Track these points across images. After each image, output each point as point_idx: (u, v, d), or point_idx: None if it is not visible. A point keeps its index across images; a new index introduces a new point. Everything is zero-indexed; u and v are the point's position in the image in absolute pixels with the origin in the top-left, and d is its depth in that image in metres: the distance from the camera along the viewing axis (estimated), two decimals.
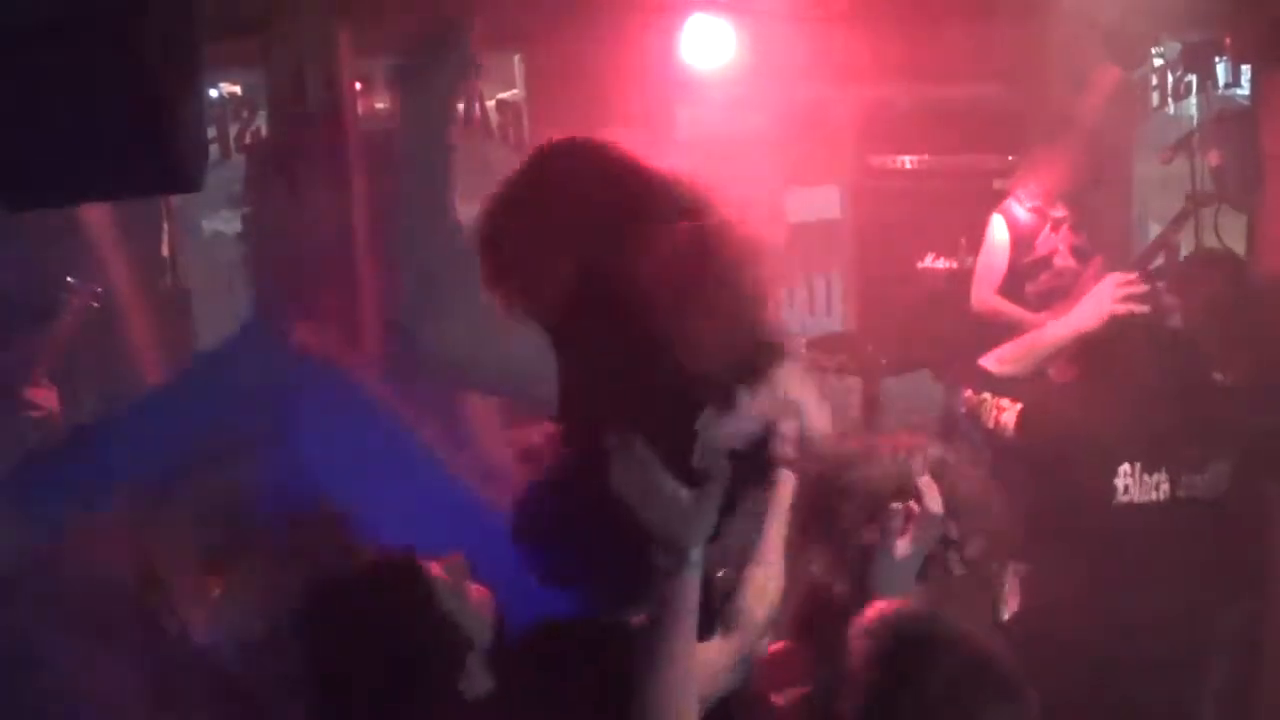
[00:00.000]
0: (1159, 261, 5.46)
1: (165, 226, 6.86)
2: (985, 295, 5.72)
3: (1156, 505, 3.53)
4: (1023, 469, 3.51)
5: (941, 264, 6.45)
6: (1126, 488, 3.51)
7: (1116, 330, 3.55)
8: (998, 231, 5.70)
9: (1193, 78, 6.73)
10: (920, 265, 6.47)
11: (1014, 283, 5.59)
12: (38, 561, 4.38)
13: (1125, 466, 3.51)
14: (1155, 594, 3.44)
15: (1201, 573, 3.51)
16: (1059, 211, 5.69)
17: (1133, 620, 3.46)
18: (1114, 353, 3.58)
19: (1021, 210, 5.69)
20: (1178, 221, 5.32)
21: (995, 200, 5.92)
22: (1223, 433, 3.58)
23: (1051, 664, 3.45)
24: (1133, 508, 3.52)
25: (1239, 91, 6.59)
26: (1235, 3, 4.75)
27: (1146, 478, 3.52)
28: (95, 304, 4.73)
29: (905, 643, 1.99)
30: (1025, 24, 6.27)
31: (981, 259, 5.77)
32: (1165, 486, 3.52)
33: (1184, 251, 5.19)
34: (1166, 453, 3.52)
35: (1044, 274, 5.55)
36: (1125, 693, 3.44)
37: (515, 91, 8.16)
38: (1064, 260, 5.61)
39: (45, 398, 4.54)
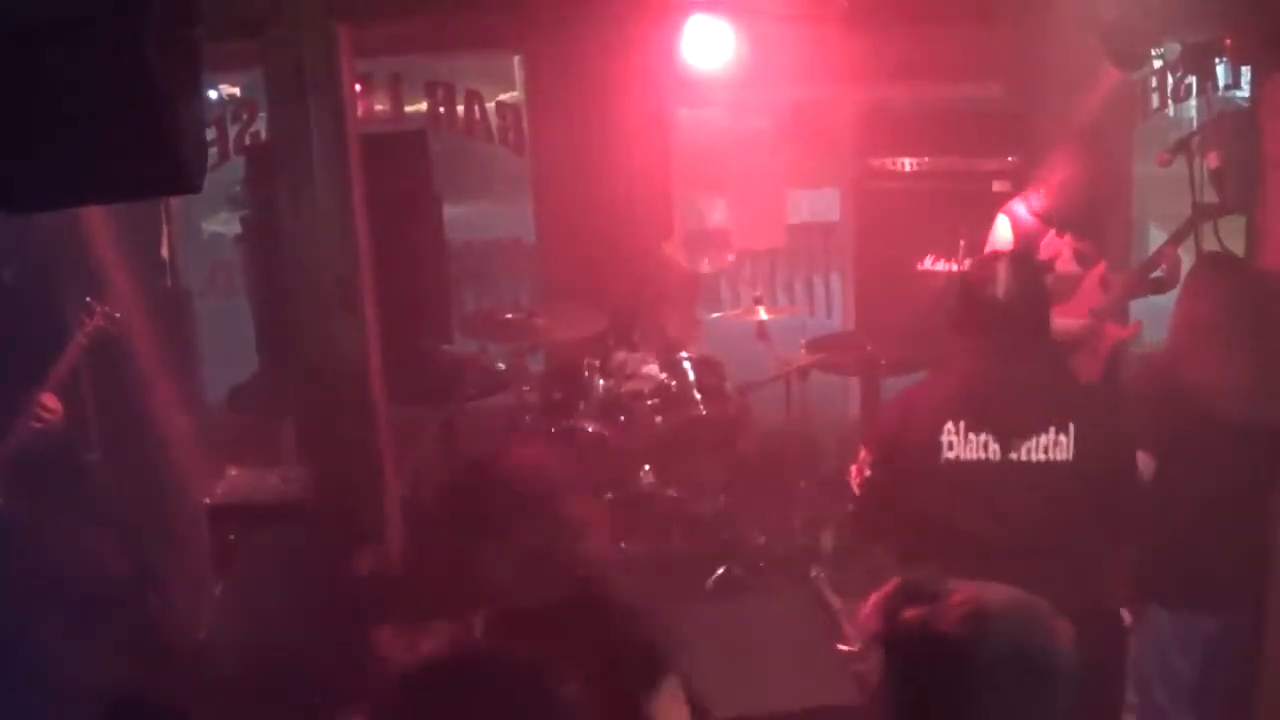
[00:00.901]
0: (1159, 272, 5.46)
1: (165, 227, 6.87)
2: None
3: (986, 464, 3.68)
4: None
5: (941, 265, 6.45)
6: (951, 444, 3.70)
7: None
8: (1002, 232, 5.71)
9: (1193, 79, 6.73)
10: (920, 266, 6.48)
11: None
12: (38, 563, 4.40)
13: (949, 425, 3.69)
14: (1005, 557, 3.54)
15: (1056, 536, 3.64)
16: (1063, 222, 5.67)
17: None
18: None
19: (1026, 213, 5.69)
20: (1180, 234, 5.32)
21: (995, 201, 5.93)
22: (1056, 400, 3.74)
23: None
24: (959, 464, 3.69)
25: (1239, 93, 6.59)
26: (1235, 4, 4.74)
27: (972, 436, 3.69)
28: (111, 327, 4.81)
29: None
30: (1025, 24, 6.28)
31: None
32: (994, 446, 3.68)
33: (1186, 262, 5.19)
34: (991, 415, 3.69)
35: (1047, 276, 5.56)
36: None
37: (515, 93, 8.17)
38: (1066, 265, 5.61)
39: (53, 406, 4.59)
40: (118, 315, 4.86)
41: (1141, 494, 3.77)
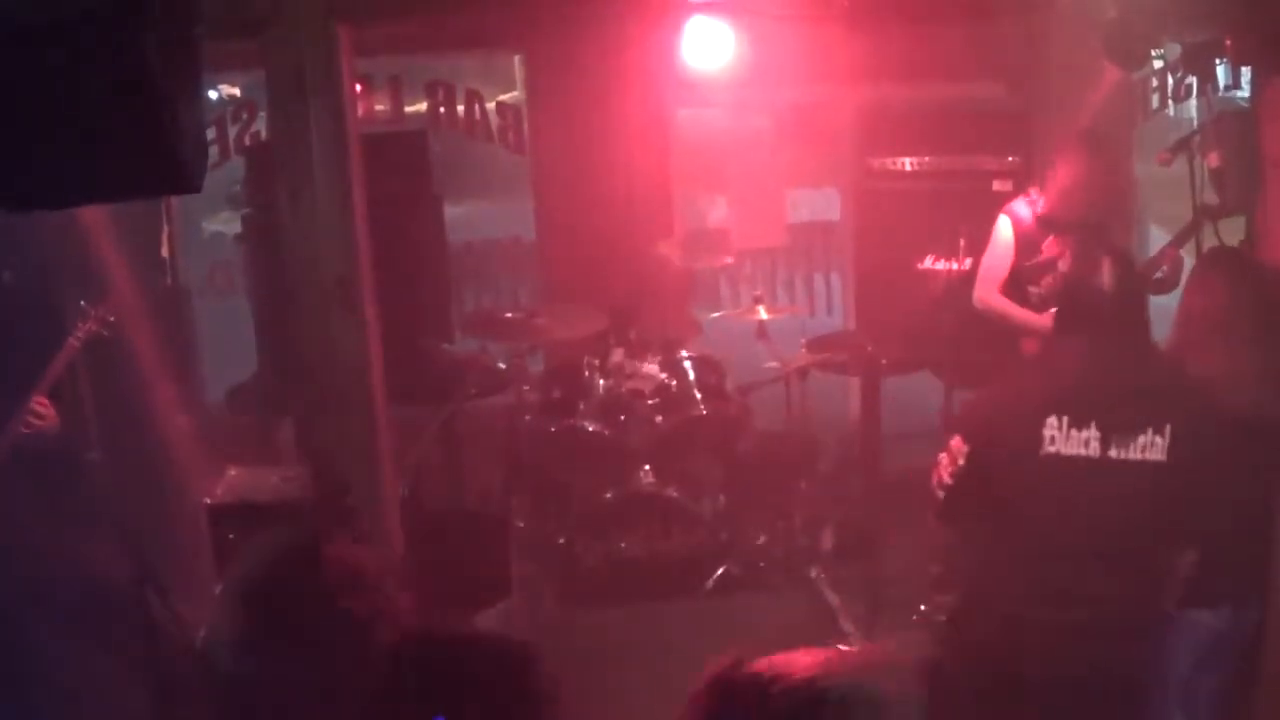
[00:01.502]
0: (1161, 272, 5.45)
1: (165, 227, 6.87)
2: (987, 294, 5.74)
3: (1085, 460, 3.71)
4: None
5: (941, 265, 6.45)
6: (1053, 439, 3.72)
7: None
8: (1003, 231, 5.70)
9: (1193, 80, 6.72)
10: (920, 266, 6.48)
11: (1017, 284, 5.59)
12: (36, 565, 4.40)
13: (1052, 419, 3.72)
14: (1088, 557, 3.70)
15: (1137, 537, 3.69)
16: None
17: (1068, 586, 3.70)
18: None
19: (1028, 212, 5.69)
20: (1183, 235, 5.32)
21: (995, 201, 5.93)
22: (1157, 400, 3.75)
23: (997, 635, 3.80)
24: (1060, 459, 3.72)
25: (1239, 94, 6.59)
26: (1236, 5, 4.75)
27: (1075, 432, 3.71)
28: (105, 331, 4.80)
29: None
30: (1025, 24, 6.29)
31: (985, 257, 5.77)
32: (1095, 443, 3.70)
33: (1188, 263, 5.19)
34: (1096, 412, 3.71)
35: (1047, 277, 5.54)
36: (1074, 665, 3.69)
37: (515, 93, 8.18)
38: (1068, 264, 5.59)
39: (45, 410, 4.57)
40: (112, 319, 4.85)
41: (1225, 499, 3.75)
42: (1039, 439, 3.75)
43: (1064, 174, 5.55)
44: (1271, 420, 3.83)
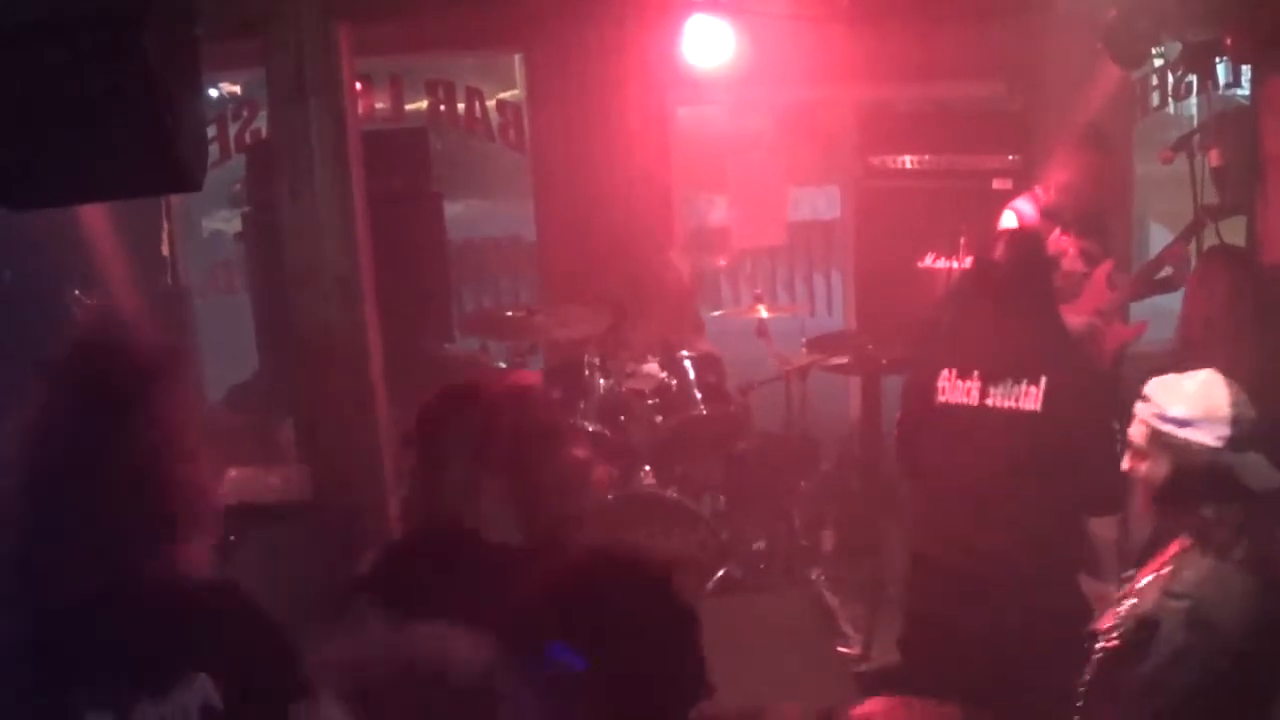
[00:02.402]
0: (1166, 271, 5.45)
1: (165, 225, 6.86)
2: None
3: (966, 408, 4.00)
4: None
5: (941, 263, 6.44)
6: (944, 389, 4.04)
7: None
8: (1008, 224, 5.69)
9: (1193, 78, 6.73)
10: (920, 264, 6.47)
11: None
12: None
13: (945, 371, 4.04)
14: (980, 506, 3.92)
15: (1018, 485, 3.88)
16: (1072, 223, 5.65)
17: (966, 534, 3.96)
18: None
19: (1032, 209, 5.67)
20: (1187, 234, 5.31)
21: (995, 200, 5.92)
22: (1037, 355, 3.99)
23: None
24: (948, 407, 4.03)
25: (1239, 91, 6.59)
26: (1236, 3, 4.75)
27: (960, 382, 4.02)
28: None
29: None
30: (1025, 24, 6.28)
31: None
32: (975, 392, 3.99)
33: (1193, 262, 5.19)
34: (980, 363, 4.01)
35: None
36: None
37: (515, 91, 8.17)
38: (1071, 263, 5.58)
39: None
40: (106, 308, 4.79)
41: (1111, 463, 3.74)
42: (934, 390, 4.05)
43: (1061, 168, 5.56)
44: (1274, 416, 3.83)
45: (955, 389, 4.03)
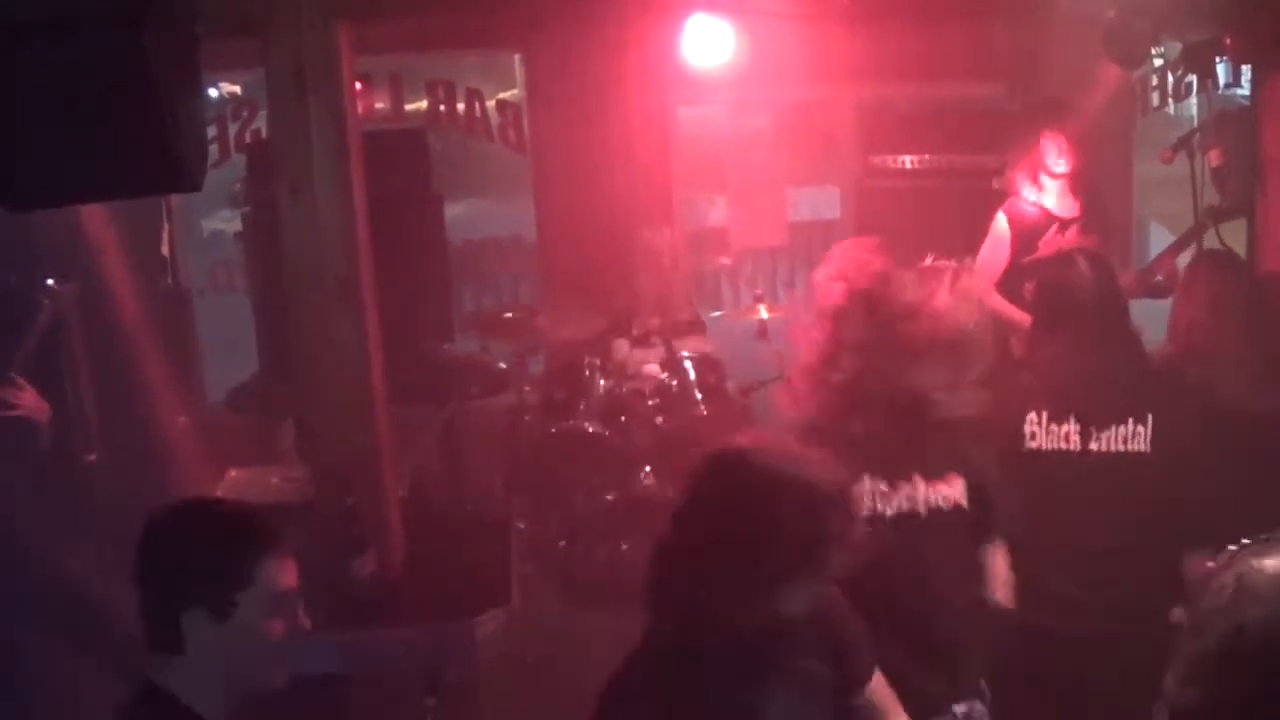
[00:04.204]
0: (1159, 278, 5.43)
1: (165, 225, 6.86)
2: (982, 291, 5.72)
3: (1065, 454, 3.66)
4: None
5: (941, 264, 6.43)
6: (1034, 434, 3.69)
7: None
8: (1000, 227, 5.69)
9: (1193, 78, 6.73)
10: (920, 264, 6.46)
11: (1014, 281, 5.58)
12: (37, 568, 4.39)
13: (1032, 415, 3.69)
14: (1085, 559, 3.62)
15: (1129, 533, 3.60)
16: (1070, 213, 5.64)
17: (1068, 592, 3.62)
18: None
19: (1027, 208, 5.67)
20: (1184, 240, 5.31)
21: (995, 200, 5.92)
22: (1137, 391, 3.71)
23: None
24: (1040, 454, 3.68)
25: (1240, 91, 6.59)
26: (1236, 3, 4.75)
27: (1055, 427, 3.67)
28: (74, 305, 4.70)
29: None
30: (1025, 24, 6.28)
31: (983, 253, 5.76)
32: (1075, 437, 3.66)
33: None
34: (1075, 405, 3.67)
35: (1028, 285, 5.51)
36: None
37: (515, 91, 8.17)
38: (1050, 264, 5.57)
39: (20, 397, 4.48)
40: (77, 289, 4.72)
41: (1214, 490, 3.62)
42: (1020, 436, 3.71)
43: (1026, 139, 5.55)
44: (1263, 418, 3.82)
45: (1050, 434, 3.70)
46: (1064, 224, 5.62)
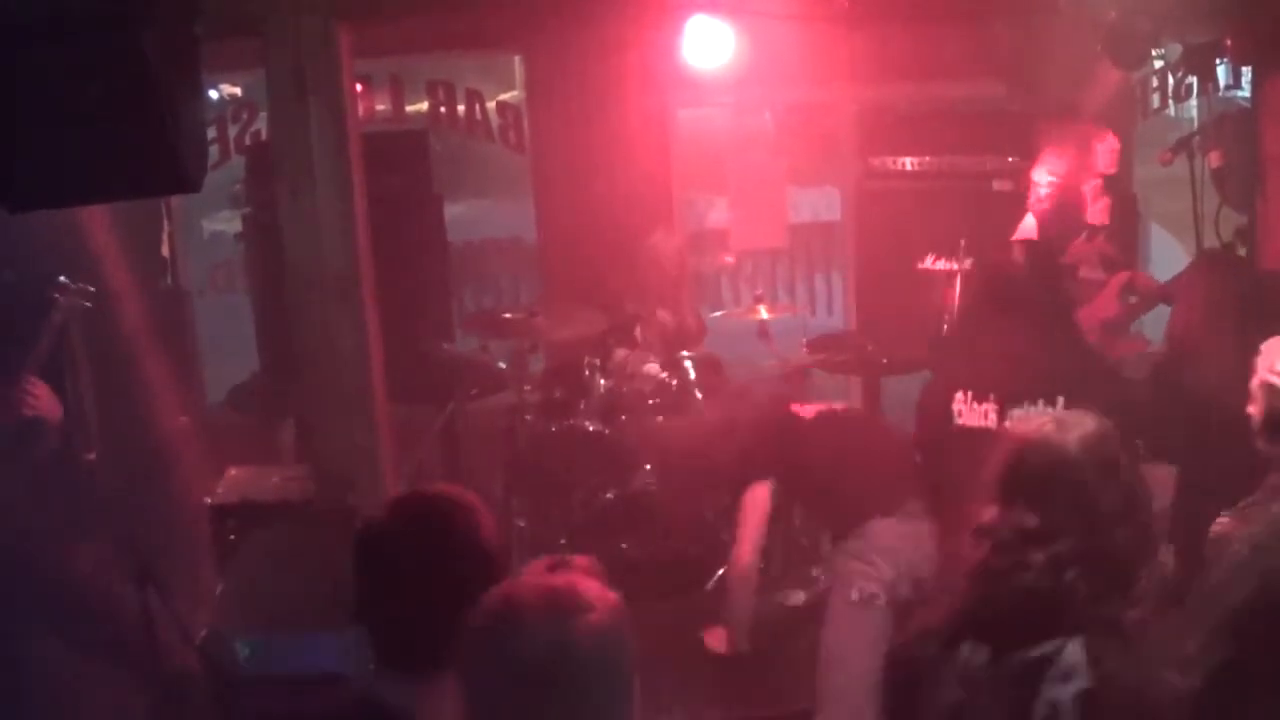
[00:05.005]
0: (1133, 299, 5.39)
1: (165, 226, 6.86)
2: None
3: (984, 431, 3.84)
4: None
5: (942, 264, 6.43)
6: (960, 412, 3.92)
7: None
8: (1027, 227, 5.62)
9: (1193, 79, 6.72)
10: (921, 265, 6.47)
11: None
12: (37, 568, 4.39)
13: (959, 394, 3.92)
14: None
15: None
16: (1100, 219, 5.54)
17: None
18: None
19: (1055, 211, 5.56)
20: (1167, 287, 5.28)
21: (995, 201, 5.91)
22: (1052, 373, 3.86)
23: None
24: (965, 431, 3.90)
25: (1240, 93, 6.59)
26: (1236, 4, 4.75)
27: (976, 405, 3.89)
28: (87, 303, 4.68)
29: None
30: (1025, 24, 6.28)
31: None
32: (993, 415, 3.87)
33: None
34: (995, 385, 3.87)
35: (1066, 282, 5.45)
36: None
37: (515, 92, 8.17)
38: (1091, 271, 5.50)
39: (36, 395, 4.48)
40: (92, 289, 4.72)
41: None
42: (950, 413, 3.92)
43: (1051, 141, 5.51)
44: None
45: (972, 412, 3.90)
46: (1092, 231, 5.53)
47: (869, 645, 3.84)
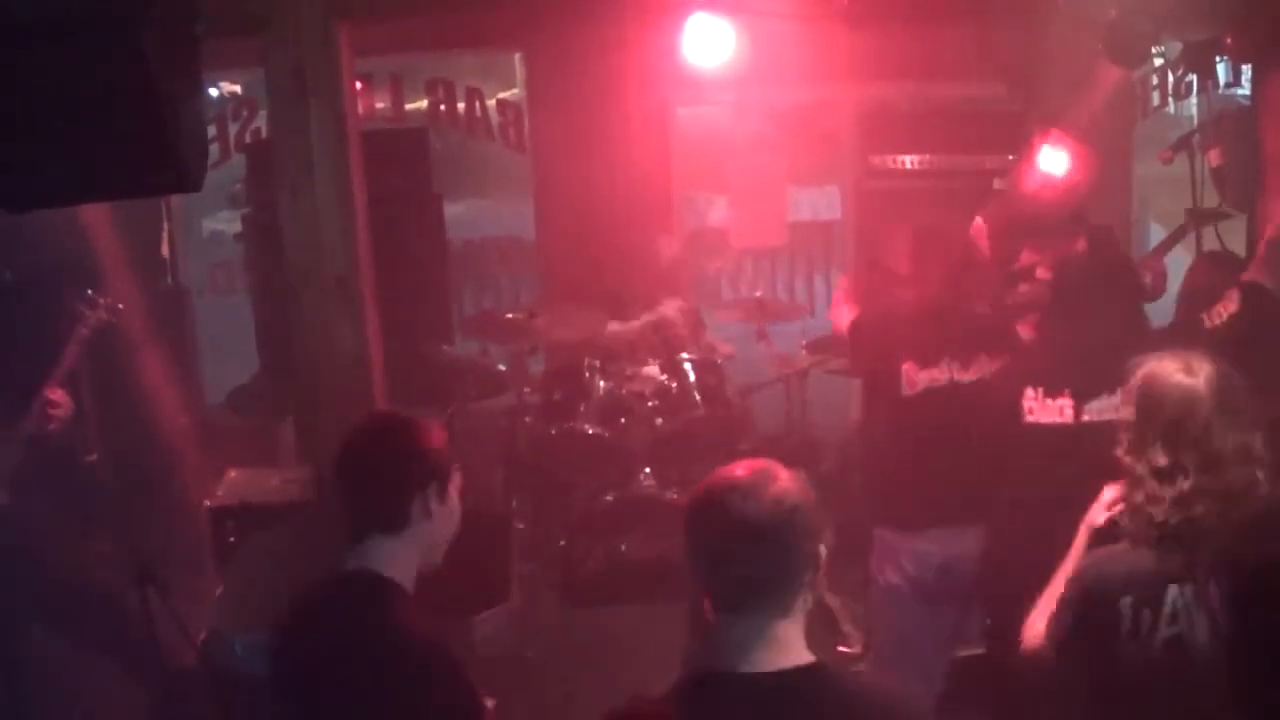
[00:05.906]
0: (1146, 279, 5.40)
1: (165, 226, 6.86)
2: None
3: (1060, 427, 3.78)
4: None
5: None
6: (1031, 409, 3.83)
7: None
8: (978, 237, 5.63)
9: (1193, 77, 6.73)
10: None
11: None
12: (38, 568, 4.39)
13: (1029, 390, 3.83)
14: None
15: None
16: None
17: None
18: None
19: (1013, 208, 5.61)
20: (1169, 242, 5.29)
21: (995, 199, 5.90)
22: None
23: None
24: (1038, 428, 3.81)
25: (1240, 91, 6.59)
26: (1236, 2, 4.74)
27: (1050, 401, 3.81)
28: (113, 318, 4.73)
29: None
30: (1025, 24, 6.27)
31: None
32: (1069, 410, 3.78)
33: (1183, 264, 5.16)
34: (1069, 379, 3.79)
35: (1023, 286, 5.43)
36: None
37: (515, 91, 8.17)
38: (1046, 273, 5.51)
39: (62, 401, 4.50)
40: (120, 306, 4.79)
41: None
42: (1019, 411, 3.84)
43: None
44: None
45: (1046, 408, 3.81)
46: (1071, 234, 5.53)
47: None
